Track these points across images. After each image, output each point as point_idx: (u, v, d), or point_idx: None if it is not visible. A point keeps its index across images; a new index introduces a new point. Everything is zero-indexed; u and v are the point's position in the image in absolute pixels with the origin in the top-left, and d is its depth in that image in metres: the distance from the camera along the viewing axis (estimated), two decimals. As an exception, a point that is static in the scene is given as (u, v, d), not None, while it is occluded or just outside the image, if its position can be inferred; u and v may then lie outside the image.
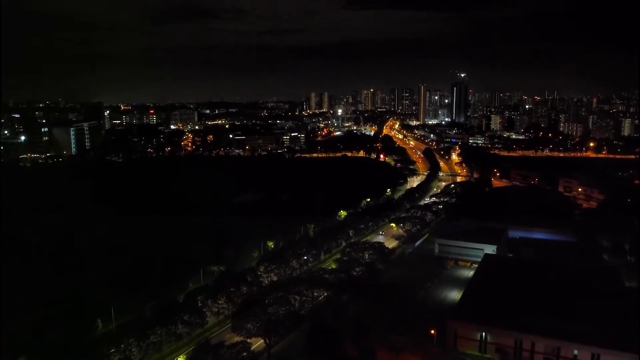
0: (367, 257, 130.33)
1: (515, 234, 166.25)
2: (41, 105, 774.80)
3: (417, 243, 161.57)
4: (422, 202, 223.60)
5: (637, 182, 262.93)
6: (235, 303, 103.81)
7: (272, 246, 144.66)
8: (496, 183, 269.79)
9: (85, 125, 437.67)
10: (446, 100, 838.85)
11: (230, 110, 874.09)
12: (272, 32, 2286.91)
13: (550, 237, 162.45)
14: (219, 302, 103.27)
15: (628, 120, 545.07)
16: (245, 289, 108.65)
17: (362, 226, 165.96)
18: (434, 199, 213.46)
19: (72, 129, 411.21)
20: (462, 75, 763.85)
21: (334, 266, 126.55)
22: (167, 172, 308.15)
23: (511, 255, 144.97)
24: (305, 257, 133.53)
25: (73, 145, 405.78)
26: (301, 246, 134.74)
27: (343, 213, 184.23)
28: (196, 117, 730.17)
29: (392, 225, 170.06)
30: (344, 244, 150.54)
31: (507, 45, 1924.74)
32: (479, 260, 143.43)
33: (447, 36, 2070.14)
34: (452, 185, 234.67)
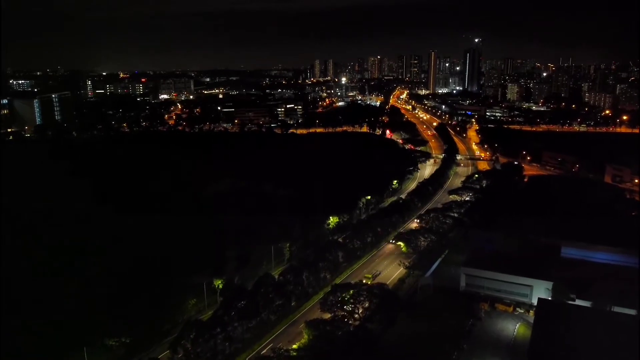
0: (360, 312, 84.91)
1: (569, 252, 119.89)
2: (38, 73, 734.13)
3: (434, 267, 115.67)
4: (437, 199, 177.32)
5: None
6: None
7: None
8: (526, 170, 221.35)
9: (55, 96, 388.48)
10: (457, 68, 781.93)
11: (230, 78, 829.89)
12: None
13: (619, 260, 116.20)
14: None
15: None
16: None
17: (357, 243, 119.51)
18: (452, 196, 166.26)
19: (35, 100, 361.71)
20: (476, 40, 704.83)
21: (304, 339, 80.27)
22: (132, 153, 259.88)
23: (580, 299, 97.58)
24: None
25: (38, 119, 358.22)
26: (259, 298, 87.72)
27: (333, 220, 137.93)
28: (192, 86, 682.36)
29: (400, 244, 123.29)
30: (328, 278, 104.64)
31: (516, 12, 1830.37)
32: (526, 301, 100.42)
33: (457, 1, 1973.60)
34: (475, 175, 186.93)
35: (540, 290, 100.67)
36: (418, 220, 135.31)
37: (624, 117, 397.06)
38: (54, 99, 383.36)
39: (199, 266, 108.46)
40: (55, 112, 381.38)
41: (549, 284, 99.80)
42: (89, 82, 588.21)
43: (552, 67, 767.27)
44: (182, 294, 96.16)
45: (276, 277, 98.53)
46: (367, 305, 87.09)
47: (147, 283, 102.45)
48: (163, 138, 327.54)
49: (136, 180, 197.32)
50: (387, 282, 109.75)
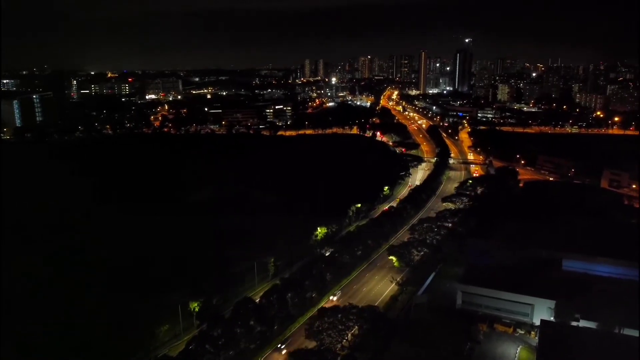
0: (349, 338, 77.32)
1: (571, 265, 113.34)
2: (24, 72, 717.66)
3: (427, 283, 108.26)
4: (430, 205, 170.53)
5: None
6: None
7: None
8: (521, 174, 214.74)
9: (36, 96, 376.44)
10: (448, 68, 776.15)
11: (220, 78, 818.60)
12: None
13: (623, 274, 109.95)
14: None
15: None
16: None
17: (346, 257, 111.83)
18: (446, 204, 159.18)
19: (15, 101, 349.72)
20: (467, 40, 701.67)
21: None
22: (112, 157, 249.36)
23: (584, 320, 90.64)
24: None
25: (18, 121, 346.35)
26: (237, 327, 79.36)
27: (321, 231, 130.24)
28: (180, 86, 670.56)
29: (391, 258, 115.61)
30: (315, 297, 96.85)
31: (505, 11, 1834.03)
32: (527, 320, 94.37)
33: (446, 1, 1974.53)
34: (469, 181, 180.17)
35: (542, 310, 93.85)
36: (410, 232, 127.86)
37: (616, 119, 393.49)
38: (35, 100, 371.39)
39: (175, 284, 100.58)
40: (37, 114, 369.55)
41: (551, 303, 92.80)
42: (74, 82, 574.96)
43: (542, 67, 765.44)
44: (155, 319, 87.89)
45: (259, 297, 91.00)
46: (356, 330, 79.47)
47: (121, 302, 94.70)
48: (146, 140, 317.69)
49: (111, 187, 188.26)
50: (379, 300, 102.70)
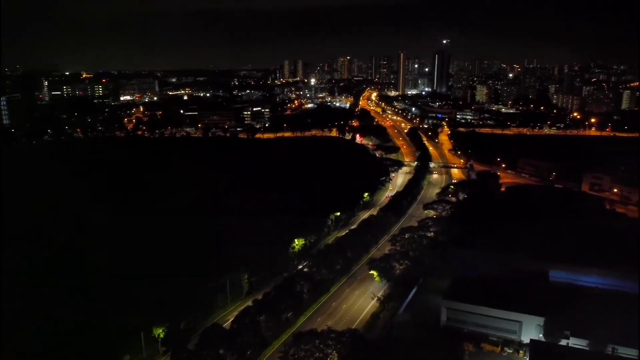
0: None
1: (558, 277, 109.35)
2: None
3: (409, 298, 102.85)
4: (411, 212, 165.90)
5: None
6: None
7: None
8: (502, 177, 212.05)
9: (3, 99, 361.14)
10: (426, 69, 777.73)
11: (198, 78, 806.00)
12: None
13: (611, 284, 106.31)
14: None
15: (627, 93, 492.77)
16: None
17: (325, 272, 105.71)
18: (427, 211, 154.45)
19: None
20: (445, 42, 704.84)
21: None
22: (79, 162, 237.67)
23: (575, 337, 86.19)
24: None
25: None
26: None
27: (298, 243, 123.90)
28: (157, 87, 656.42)
29: (372, 273, 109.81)
30: (291, 318, 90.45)
31: (482, 12, 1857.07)
32: (515, 338, 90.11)
33: (422, 3, 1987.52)
34: (451, 187, 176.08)
35: (531, 327, 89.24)
36: (392, 242, 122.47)
37: (592, 120, 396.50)
38: (1, 102, 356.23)
39: (140, 307, 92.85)
40: (3, 116, 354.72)
41: (540, 320, 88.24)
42: (45, 83, 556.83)
43: (518, 68, 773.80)
44: (117, 346, 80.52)
45: (232, 317, 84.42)
46: (335, 358, 73.40)
47: (79, 328, 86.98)
48: (118, 144, 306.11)
49: (74, 195, 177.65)
50: (360, 318, 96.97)
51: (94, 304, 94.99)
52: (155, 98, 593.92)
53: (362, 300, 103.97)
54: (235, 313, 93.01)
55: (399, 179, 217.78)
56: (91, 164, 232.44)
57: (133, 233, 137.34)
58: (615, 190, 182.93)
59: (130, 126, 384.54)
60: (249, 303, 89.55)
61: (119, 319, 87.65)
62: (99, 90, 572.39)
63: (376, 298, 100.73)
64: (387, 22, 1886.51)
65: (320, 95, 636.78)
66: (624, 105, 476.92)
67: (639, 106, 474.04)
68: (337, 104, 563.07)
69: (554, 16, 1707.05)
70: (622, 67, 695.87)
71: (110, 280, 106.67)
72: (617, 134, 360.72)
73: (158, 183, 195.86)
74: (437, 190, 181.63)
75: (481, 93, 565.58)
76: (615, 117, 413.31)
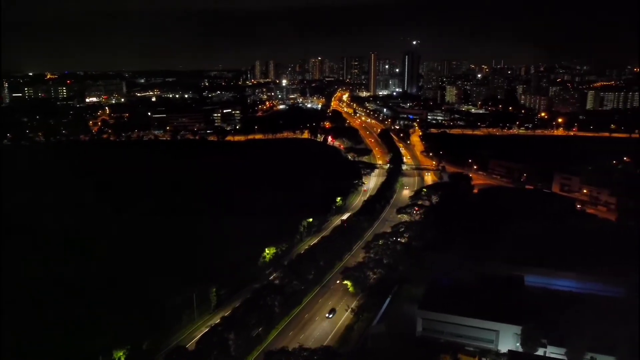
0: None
1: (533, 281, 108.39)
2: None
3: (384, 308, 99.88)
4: (385, 216, 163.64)
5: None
6: None
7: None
8: (474, 178, 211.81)
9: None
10: (397, 70, 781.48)
11: (167, 79, 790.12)
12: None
13: (585, 288, 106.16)
14: None
15: (591, 93, 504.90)
16: None
17: (296, 284, 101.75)
18: (401, 215, 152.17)
19: None
20: (414, 42, 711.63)
21: None
22: (38, 168, 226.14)
23: (552, 346, 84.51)
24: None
25: None
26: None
27: (269, 252, 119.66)
28: (124, 88, 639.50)
29: (346, 283, 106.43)
30: (261, 333, 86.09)
31: (450, 13, 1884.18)
32: (492, 347, 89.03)
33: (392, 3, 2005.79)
34: (424, 190, 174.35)
35: (508, 336, 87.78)
36: (365, 249, 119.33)
37: (559, 120, 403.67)
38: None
39: (100, 327, 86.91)
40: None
41: (517, 329, 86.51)
42: (6, 85, 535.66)
43: (486, 68, 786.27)
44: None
45: (200, 333, 79.64)
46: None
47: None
48: (82, 149, 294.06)
49: (26, 205, 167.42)
50: (334, 331, 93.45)
51: (47, 328, 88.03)
52: (122, 100, 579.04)
53: (337, 311, 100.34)
54: (204, 329, 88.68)
55: (372, 181, 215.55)
56: (50, 168, 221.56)
57: (89, 243, 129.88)
58: (585, 191, 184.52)
59: (95, 129, 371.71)
60: (217, 320, 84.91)
61: (76, 342, 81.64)
62: (63, 92, 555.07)
63: (350, 309, 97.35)
64: (357, 23, 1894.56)
65: (292, 96, 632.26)
66: (589, 105, 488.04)
67: (603, 106, 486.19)
68: (309, 105, 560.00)
69: (518, 16, 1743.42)
70: (584, 67, 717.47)
71: (65, 296, 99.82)
72: (585, 134, 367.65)
73: (118, 189, 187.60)
74: (410, 194, 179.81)
75: (451, 93, 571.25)
76: (580, 117, 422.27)
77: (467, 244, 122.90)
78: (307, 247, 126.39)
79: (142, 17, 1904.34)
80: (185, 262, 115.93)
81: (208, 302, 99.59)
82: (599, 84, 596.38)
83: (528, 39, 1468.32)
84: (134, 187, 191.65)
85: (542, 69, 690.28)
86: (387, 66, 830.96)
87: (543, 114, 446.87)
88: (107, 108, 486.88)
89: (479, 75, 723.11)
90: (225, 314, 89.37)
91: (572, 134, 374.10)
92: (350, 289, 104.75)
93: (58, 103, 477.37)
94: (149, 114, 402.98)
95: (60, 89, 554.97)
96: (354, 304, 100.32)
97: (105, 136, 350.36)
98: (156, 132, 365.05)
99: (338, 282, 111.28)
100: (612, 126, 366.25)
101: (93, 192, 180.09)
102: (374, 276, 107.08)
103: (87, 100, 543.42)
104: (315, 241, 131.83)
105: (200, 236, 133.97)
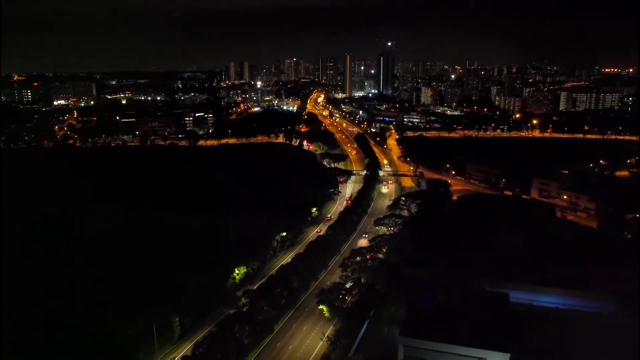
0: None
1: (518, 298, 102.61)
2: None
3: (362, 332, 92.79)
4: (362, 227, 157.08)
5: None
6: None
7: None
8: (452, 184, 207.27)
9: None
10: (372, 71, 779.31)
11: (139, 81, 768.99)
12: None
13: (571, 304, 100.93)
14: None
15: (564, 94, 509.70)
16: None
17: (267, 310, 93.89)
18: (379, 227, 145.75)
19: None
20: (389, 44, 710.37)
21: None
22: None
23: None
24: None
25: None
26: None
27: (239, 271, 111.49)
28: (94, 90, 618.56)
29: (322, 308, 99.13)
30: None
31: (424, 14, 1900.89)
32: None
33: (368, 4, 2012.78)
34: (402, 199, 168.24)
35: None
36: (342, 268, 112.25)
37: (534, 121, 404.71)
38: None
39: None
40: None
41: (505, 356, 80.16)
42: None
43: (460, 69, 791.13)
44: None
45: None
46: None
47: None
48: (45, 156, 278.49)
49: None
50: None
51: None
52: (92, 102, 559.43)
53: (311, 338, 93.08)
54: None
55: (349, 188, 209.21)
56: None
57: (26, 270, 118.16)
58: (565, 197, 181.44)
59: (60, 134, 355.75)
60: (181, 353, 76.56)
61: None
62: (28, 94, 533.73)
63: (325, 337, 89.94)
64: (333, 23, 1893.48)
65: (267, 98, 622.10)
66: (562, 106, 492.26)
67: (576, 107, 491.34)
68: (285, 107, 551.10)
69: (490, 17, 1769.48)
70: (555, 68, 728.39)
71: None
72: (560, 135, 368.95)
73: (83, 199, 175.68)
74: (388, 202, 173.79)
75: (426, 95, 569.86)
76: (555, 118, 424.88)
77: (448, 258, 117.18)
78: (280, 264, 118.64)
79: (115, 17, 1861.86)
80: (144, 284, 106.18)
81: (171, 331, 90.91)
82: (569, 84, 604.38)
83: (501, 39, 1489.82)
84: (103, 196, 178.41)
85: (514, 69, 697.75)
86: (362, 67, 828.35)
87: (518, 115, 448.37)
88: (75, 112, 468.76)
89: (453, 76, 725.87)
90: (190, 346, 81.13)
91: (547, 135, 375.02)
92: (326, 314, 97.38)
93: (21, 107, 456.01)
94: (118, 118, 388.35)
95: (25, 92, 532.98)
96: (329, 331, 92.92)
97: (70, 142, 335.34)
98: (125, 137, 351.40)
99: (313, 303, 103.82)
100: (586, 127, 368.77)
101: (54, 204, 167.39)
102: (351, 299, 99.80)
103: (55, 103, 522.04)
104: (290, 256, 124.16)
105: (160, 255, 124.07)
